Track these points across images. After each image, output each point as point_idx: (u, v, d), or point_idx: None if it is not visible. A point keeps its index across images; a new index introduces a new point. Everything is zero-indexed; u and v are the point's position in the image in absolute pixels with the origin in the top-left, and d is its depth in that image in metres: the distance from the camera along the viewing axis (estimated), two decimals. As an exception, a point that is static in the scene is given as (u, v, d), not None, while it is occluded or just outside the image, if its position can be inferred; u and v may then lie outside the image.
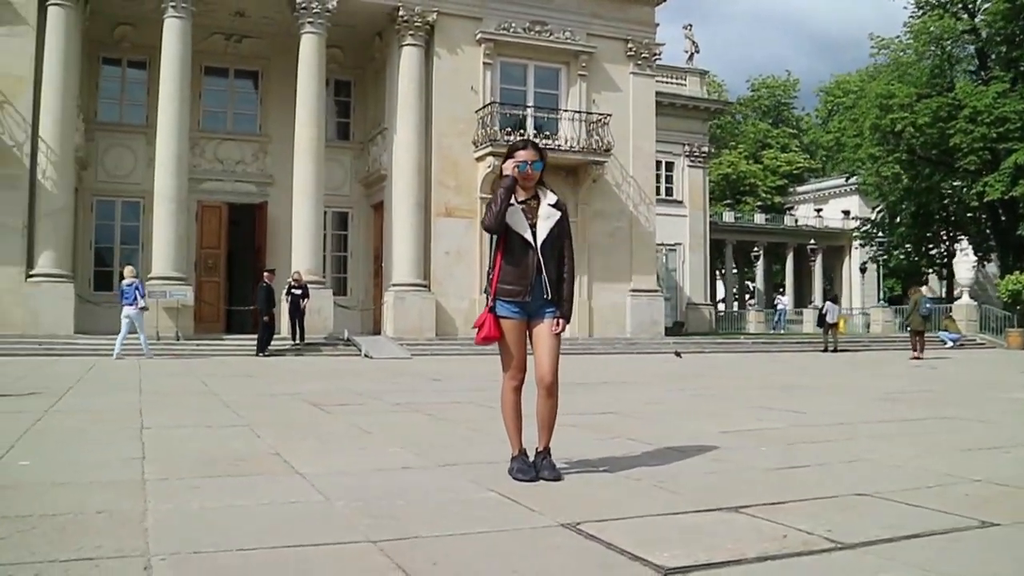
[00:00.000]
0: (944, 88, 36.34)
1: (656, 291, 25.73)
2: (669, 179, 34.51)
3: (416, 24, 22.41)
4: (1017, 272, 31.38)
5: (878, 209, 43.67)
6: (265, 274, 20.26)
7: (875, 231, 42.48)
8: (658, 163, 30.57)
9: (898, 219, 41.23)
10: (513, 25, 23.44)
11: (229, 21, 23.37)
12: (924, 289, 27.94)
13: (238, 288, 24.44)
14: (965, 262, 32.77)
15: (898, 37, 39.06)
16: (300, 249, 21.56)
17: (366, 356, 19.07)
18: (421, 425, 6.93)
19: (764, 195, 59.68)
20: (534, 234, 4.28)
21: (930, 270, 43.79)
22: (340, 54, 24.60)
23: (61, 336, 18.94)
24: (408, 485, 4.18)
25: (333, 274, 24.99)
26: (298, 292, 19.89)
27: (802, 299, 51.60)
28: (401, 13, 22.29)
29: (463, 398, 9.28)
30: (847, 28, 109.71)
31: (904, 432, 6.60)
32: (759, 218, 54.71)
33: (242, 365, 15.68)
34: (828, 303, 25.44)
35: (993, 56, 37.38)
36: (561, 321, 4.36)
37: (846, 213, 55.01)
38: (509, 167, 4.32)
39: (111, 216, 23.72)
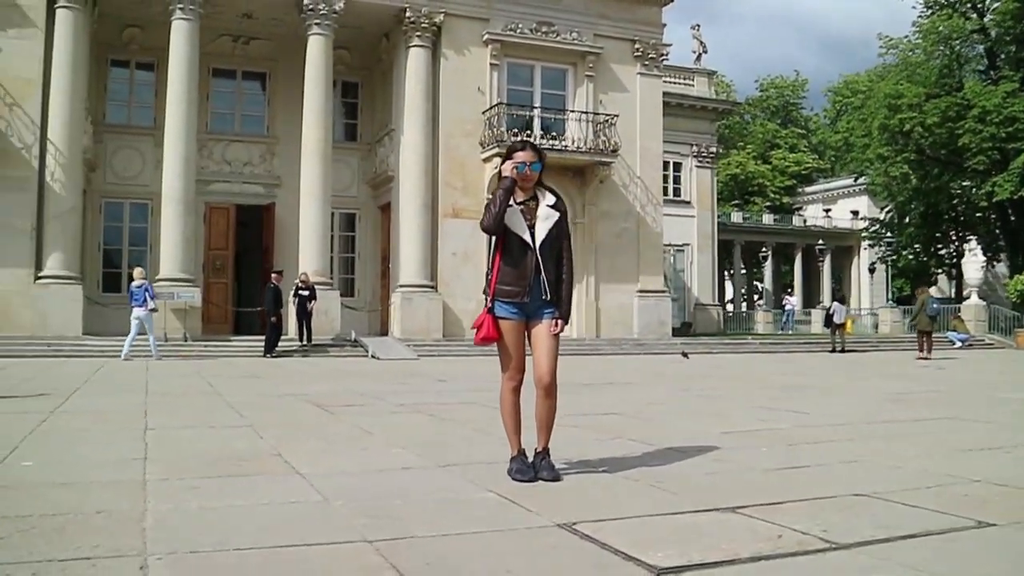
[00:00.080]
0: (953, 88, 36.24)
1: (663, 292, 25.71)
2: (677, 179, 34.44)
3: (423, 25, 22.45)
4: (1027, 272, 31.29)
5: (887, 209, 43.57)
6: (273, 275, 20.33)
7: (884, 231, 42.40)
8: (666, 163, 30.59)
9: (907, 219, 41.14)
10: (520, 26, 23.46)
11: (237, 23, 23.45)
12: (933, 289, 27.86)
13: (246, 289, 24.54)
14: (974, 262, 32.67)
15: (907, 37, 39.02)
16: (307, 250, 21.62)
17: (373, 357, 19.12)
18: (424, 426, 6.95)
19: (773, 195, 59.58)
20: (533, 235, 4.29)
21: (939, 270, 43.64)
22: (347, 55, 24.66)
23: (70, 337, 19.03)
24: (407, 485, 4.20)
25: (341, 275, 25.05)
26: (305, 293, 19.95)
27: (811, 300, 51.45)
28: (408, 14, 22.33)
29: (468, 399, 9.29)
30: (856, 28, 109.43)
31: (906, 433, 6.59)
32: (767, 218, 54.62)
33: (249, 366, 15.74)
34: (835, 303, 25.41)
35: (1002, 56, 37.26)
36: (560, 322, 4.36)
37: (855, 213, 54.85)
38: (508, 168, 4.33)
39: (119, 218, 23.84)
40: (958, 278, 39.72)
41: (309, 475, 4.40)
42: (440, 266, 22.54)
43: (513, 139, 21.92)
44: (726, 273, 52.43)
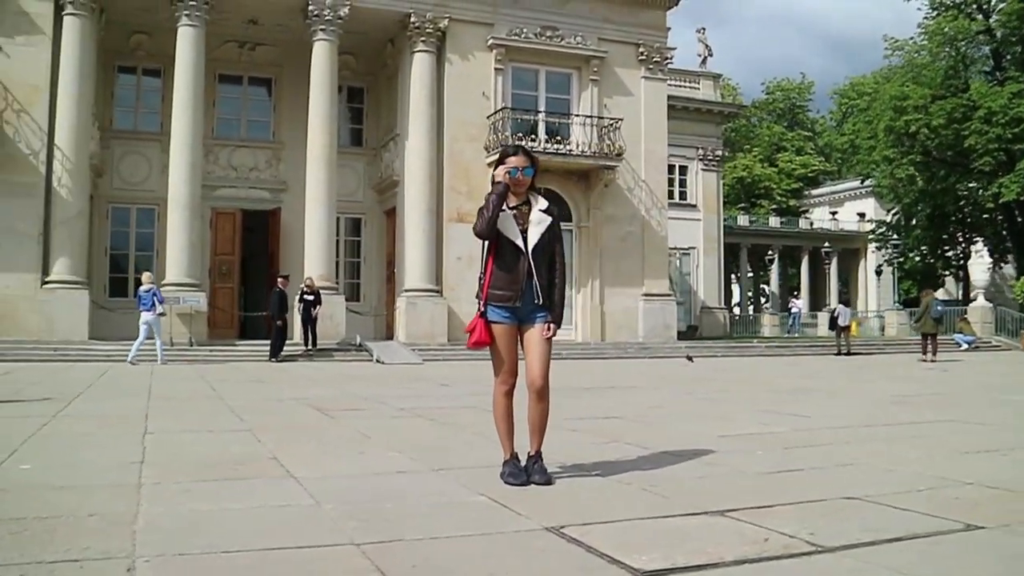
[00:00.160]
0: (959, 89, 36.13)
1: (669, 295, 25.69)
2: (683, 183, 34.43)
3: (427, 31, 22.51)
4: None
5: (893, 211, 43.46)
6: (279, 279, 20.40)
7: (890, 233, 42.26)
8: (672, 167, 30.56)
9: (913, 221, 40.99)
10: (524, 31, 23.50)
11: (242, 29, 23.55)
12: (940, 292, 27.82)
13: (252, 294, 24.63)
14: (980, 264, 32.58)
15: (912, 38, 38.90)
16: (313, 255, 21.68)
17: (378, 361, 19.16)
18: (422, 430, 6.98)
19: (779, 198, 59.50)
20: (525, 240, 4.32)
21: (946, 272, 43.49)
22: (353, 61, 24.75)
23: (76, 342, 19.10)
24: (399, 489, 4.23)
25: (347, 280, 25.11)
26: (310, 298, 20.00)
27: (818, 302, 51.34)
28: (412, 20, 22.39)
29: (469, 403, 9.30)
30: (862, 30, 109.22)
31: (904, 435, 6.58)
32: (774, 221, 54.52)
33: (254, 370, 15.80)
34: (840, 306, 25.40)
35: (1008, 56, 37.14)
36: (552, 326, 4.39)
37: (861, 216, 54.71)
38: (500, 173, 4.36)
39: (126, 223, 23.94)
40: (965, 280, 39.56)
41: (303, 479, 4.43)
42: (445, 270, 22.57)
43: (522, 143, 22.02)
44: (733, 276, 52.36)
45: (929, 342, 20.41)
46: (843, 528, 3.40)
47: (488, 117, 22.81)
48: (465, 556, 3.01)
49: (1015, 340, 29.15)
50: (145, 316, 17.32)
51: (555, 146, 23.17)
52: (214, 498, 3.96)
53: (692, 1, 39.01)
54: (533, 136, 23.16)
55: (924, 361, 19.80)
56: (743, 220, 52.42)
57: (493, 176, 4.41)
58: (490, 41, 23.14)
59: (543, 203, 4.45)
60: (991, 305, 31.19)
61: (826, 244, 50.49)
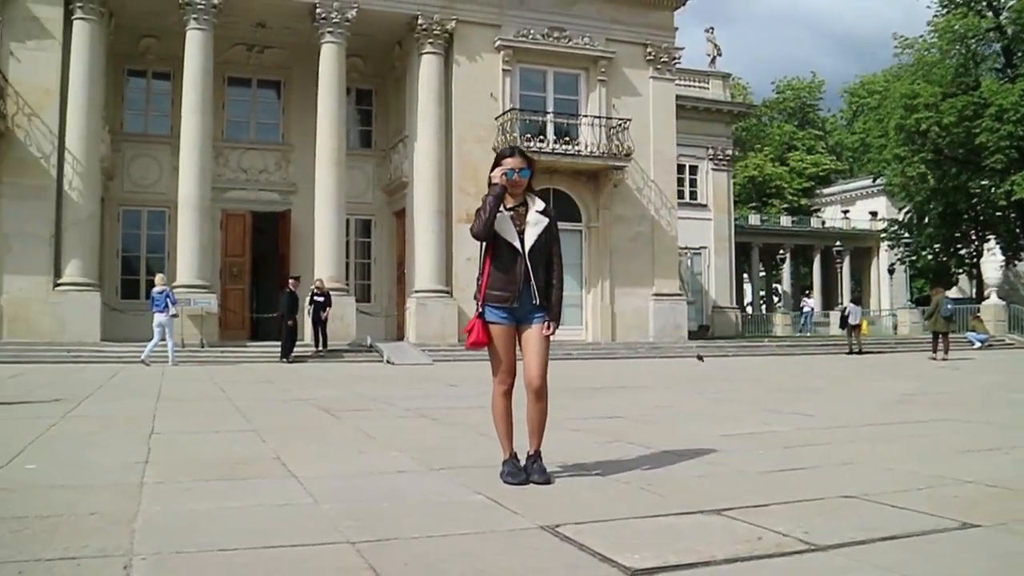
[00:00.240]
0: (969, 87, 35.92)
1: (679, 295, 25.66)
2: (693, 183, 34.36)
3: (435, 32, 22.57)
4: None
5: (905, 210, 43.22)
6: (290, 281, 20.49)
7: (902, 232, 42.04)
8: (681, 167, 30.57)
9: (926, 219, 40.73)
10: (532, 32, 23.53)
11: (251, 32, 23.66)
12: (953, 290, 27.68)
13: (264, 296, 24.73)
14: (993, 262, 32.39)
15: (922, 36, 38.67)
16: (323, 257, 21.76)
17: (388, 362, 19.22)
18: (426, 430, 7.01)
19: (791, 197, 59.35)
20: (522, 241, 4.34)
21: (959, 270, 43.23)
22: (361, 63, 24.83)
23: (88, 344, 19.23)
24: (398, 488, 4.26)
25: (357, 281, 25.19)
26: (320, 300, 20.09)
27: (830, 301, 51.17)
28: (420, 22, 22.45)
29: (476, 403, 9.28)
30: (873, 28, 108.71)
31: (907, 434, 6.57)
32: (785, 220, 54.36)
33: (264, 371, 15.87)
34: (850, 304, 25.29)
35: (1019, 53, 36.91)
36: (551, 324, 4.41)
37: (873, 214, 54.50)
38: (497, 175, 4.38)
39: (137, 225, 24.11)
40: (978, 278, 39.31)
41: (304, 478, 4.46)
42: (455, 271, 22.60)
43: (530, 144, 22.08)
44: (744, 275, 52.22)
45: (940, 341, 20.31)
46: (838, 527, 3.40)
47: (496, 118, 22.84)
48: (457, 554, 3.03)
49: (1028, 338, 28.97)
50: (158, 317, 17.46)
51: (564, 147, 23.21)
52: (214, 497, 4.00)
53: (700, 1, 38.98)
54: (542, 137, 23.19)
55: (934, 360, 19.70)
56: (755, 219, 52.28)
57: (490, 178, 4.43)
58: (497, 42, 23.17)
59: (540, 204, 4.47)
60: (1004, 303, 31.01)
61: (838, 243, 50.30)
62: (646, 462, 5.05)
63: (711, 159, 34.56)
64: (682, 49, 25.79)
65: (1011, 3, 35.44)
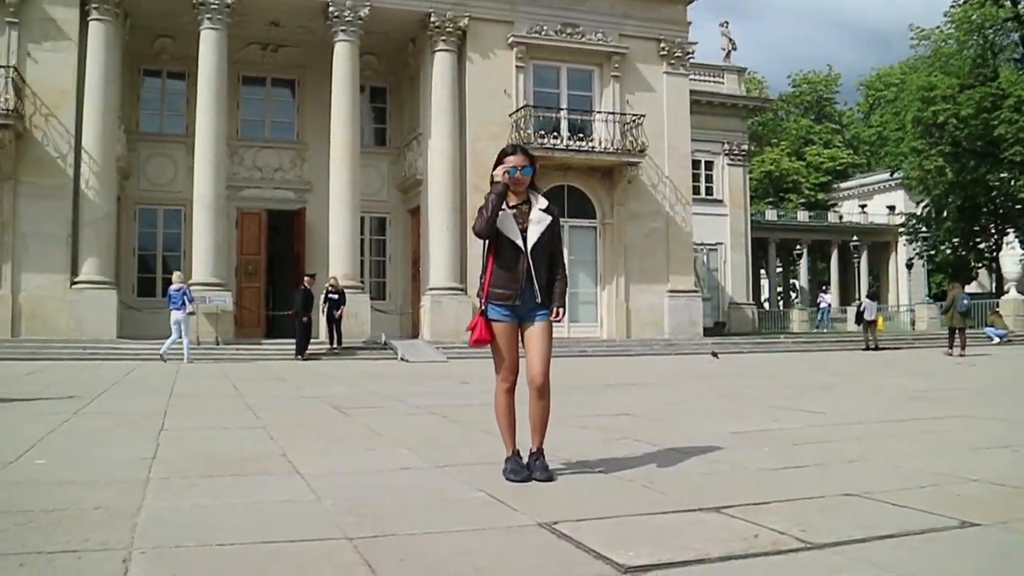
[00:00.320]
0: (987, 78, 35.56)
1: (694, 291, 25.59)
2: (709, 178, 34.22)
3: (448, 30, 22.59)
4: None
5: (923, 204, 42.90)
6: (305, 278, 20.58)
7: (920, 226, 41.69)
8: (696, 162, 30.45)
9: (944, 213, 40.40)
10: (545, 28, 23.52)
11: (265, 31, 23.76)
12: (972, 284, 27.43)
13: (279, 293, 24.86)
14: (1012, 256, 32.07)
15: (939, 27, 38.39)
16: (337, 254, 21.85)
17: (402, 360, 19.28)
18: (434, 427, 7.03)
19: (808, 192, 59.00)
20: (524, 239, 4.35)
21: (979, 264, 42.86)
22: (375, 61, 24.89)
23: (105, 341, 19.42)
24: (401, 485, 4.28)
25: (372, 278, 25.27)
26: (335, 297, 20.18)
27: (847, 297, 50.87)
28: (433, 19, 22.48)
29: (486, 400, 9.16)
30: (889, 19, 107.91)
31: (916, 432, 6.52)
32: (802, 215, 54.09)
33: (278, 369, 15.96)
34: (866, 300, 25.09)
35: (1037, 44, 36.59)
36: (559, 310, 4.42)
37: (891, 208, 54.09)
38: (499, 173, 4.39)
39: (153, 224, 24.29)
40: (998, 272, 38.96)
41: (308, 475, 4.50)
42: (469, 269, 22.59)
43: (544, 141, 22.09)
44: (761, 271, 52.01)
45: (957, 336, 20.15)
46: (836, 525, 3.38)
47: (510, 115, 22.85)
48: (454, 551, 3.05)
49: (1048, 334, 28.67)
50: (175, 315, 17.59)
51: (578, 143, 23.19)
52: (218, 493, 4.04)
53: (716, -5, 38.75)
54: (556, 134, 23.19)
55: (951, 356, 19.56)
56: (771, 215, 52.09)
57: (492, 176, 4.44)
58: (511, 39, 23.17)
59: (543, 202, 4.47)
60: (1023, 298, 30.71)
61: (855, 238, 49.91)
62: (650, 460, 5.04)
63: (727, 154, 34.40)
64: (695, 44, 25.75)
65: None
